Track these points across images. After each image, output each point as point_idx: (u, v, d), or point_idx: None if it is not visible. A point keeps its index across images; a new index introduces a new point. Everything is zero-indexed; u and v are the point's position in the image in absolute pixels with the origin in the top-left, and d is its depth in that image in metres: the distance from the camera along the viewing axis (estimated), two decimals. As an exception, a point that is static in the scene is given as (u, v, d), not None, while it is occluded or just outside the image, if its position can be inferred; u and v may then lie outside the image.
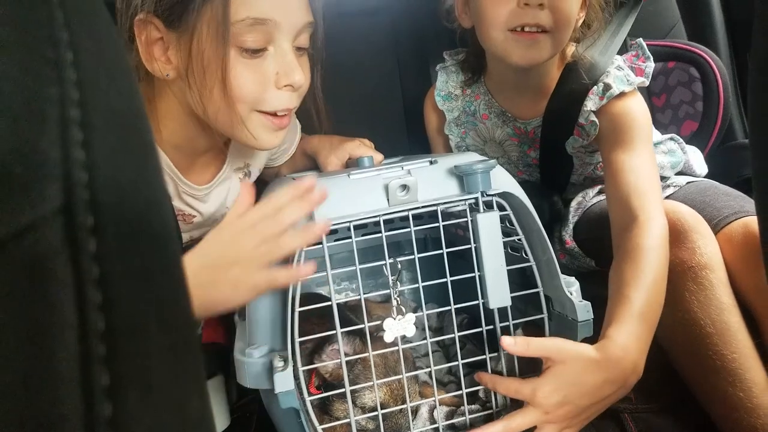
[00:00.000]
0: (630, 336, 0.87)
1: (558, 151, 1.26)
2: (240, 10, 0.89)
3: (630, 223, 1.00)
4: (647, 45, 1.26)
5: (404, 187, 0.82)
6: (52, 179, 0.22)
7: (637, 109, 1.13)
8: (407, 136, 1.76)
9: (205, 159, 1.15)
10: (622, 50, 1.29)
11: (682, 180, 1.29)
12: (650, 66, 1.20)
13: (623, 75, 1.16)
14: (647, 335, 0.90)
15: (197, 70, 0.91)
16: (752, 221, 1.03)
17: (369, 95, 1.78)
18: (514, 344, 0.83)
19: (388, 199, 0.81)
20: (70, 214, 0.22)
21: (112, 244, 0.23)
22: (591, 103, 1.16)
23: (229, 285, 0.76)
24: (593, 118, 1.16)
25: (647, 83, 1.18)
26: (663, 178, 1.29)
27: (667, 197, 1.23)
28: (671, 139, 1.34)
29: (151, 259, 0.26)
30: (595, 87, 1.16)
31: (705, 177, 1.35)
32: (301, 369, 0.79)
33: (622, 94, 1.12)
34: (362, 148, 1.13)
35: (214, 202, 1.17)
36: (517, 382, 0.85)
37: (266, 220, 0.76)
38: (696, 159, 1.36)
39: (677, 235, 1.01)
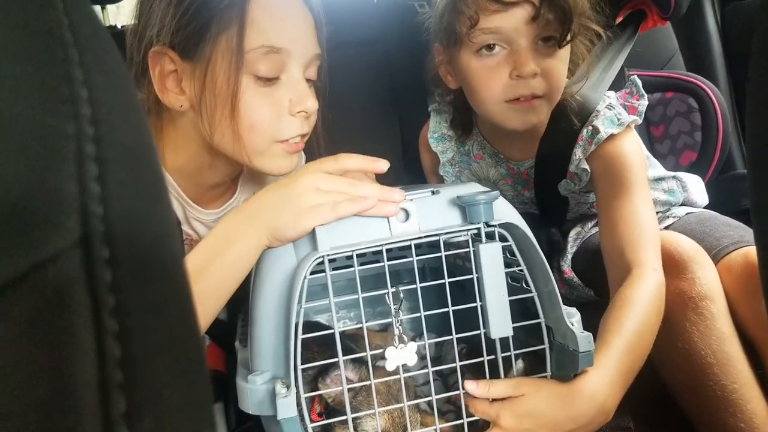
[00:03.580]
0: (603, 379, 0.88)
1: (552, 192, 1.26)
2: (255, 38, 0.92)
3: (624, 276, 1.01)
4: (645, 75, 1.28)
5: (405, 213, 0.83)
6: (70, 213, 0.23)
7: (628, 150, 1.13)
8: (404, 167, 1.77)
9: (215, 194, 1.17)
10: (620, 81, 1.30)
11: (682, 211, 1.29)
12: (643, 104, 1.21)
13: (613, 115, 1.16)
14: (622, 380, 0.90)
15: (210, 99, 0.94)
16: (752, 251, 1.04)
17: (365, 126, 1.79)
18: (476, 388, 0.86)
19: (390, 228, 0.82)
20: (87, 247, 0.23)
21: (126, 275, 0.24)
22: (579, 151, 1.17)
23: (289, 222, 0.79)
24: (584, 165, 1.17)
25: (639, 122, 1.18)
26: (659, 212, 1.30)
27: (667, 227, 1.24)
28: (674, 177, 1.34)
29: (163, 291, 0.26)
30: (584, 131, 1.16)
31: (705, 207, 1.36)
32: (303, 396, 0.79)
33: (611, 136, 1.13)
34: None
35: None
36: (486, 404, 0.86)
37: (335, 186, 0.80)
38: (697, 189, 1.36)
39: (677, 266, 1.01)
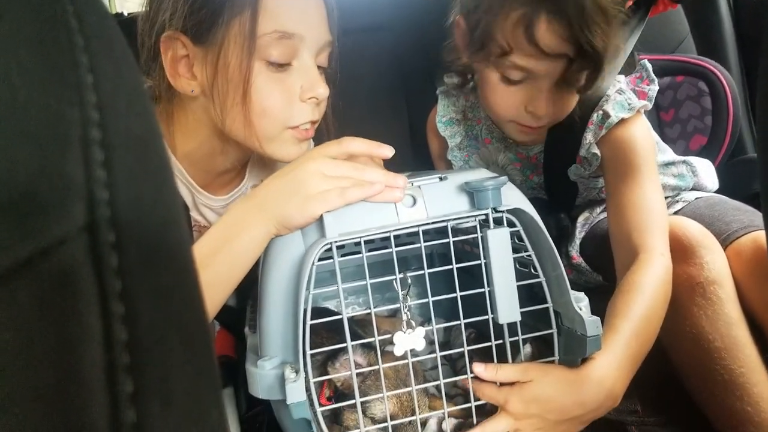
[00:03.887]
0: (611, 363, 0.89)
1: (561, 177, 1.26)
2: (267, 23, 0.92)
3: (631, 261, 1.01)
4: (655, 59, 1.26)
5: (413, 199, 0.83)
6: (76, 198, 0.23)
7: (638, 135, 1.12)
8: (412, 153, 1.76)
9: (224, 180, 1.17)
10: (631, 64, 1.29)
11: (692, 195, 1.29)
12: (654, 89, 1.20)
13: (624, 100, 1.16)
14: (629, 365, 0.91)
15: (222, 85, 0.94)
16: (762, 236, 1.03)
17: (373, 112, 1.78)
18: (484, 371, 0.86)
19: (397, 214, 0.82)
20: (93, 232, 0.23)
21: (132, 260, 0.24)
22: (590, 135, 1.16)
23: (297, 209, 0.78)
24: (594, 150, 1.16)
25: (650, 107, 1.17)
26: (669, 196, 1.29)
27: (676, 212, 1.23)
28: (684, 162, 1.33)
29: (170, 276, 0.27)
30: (595, 116, 1.16)
31: (715, 191, 1.35)
32: (312, 380, 0.79)
33: (622, 121, 1.13)
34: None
35: None
36: (494, 388, 0.87)
37: (341, 171, 0.80)
38: (708, 174, 1.35)
39: (685, 251, 1.01)
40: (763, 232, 1.03)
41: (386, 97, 1.83)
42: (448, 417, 0.90)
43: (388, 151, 0.85)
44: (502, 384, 0.87)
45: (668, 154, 1.33)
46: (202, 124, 1.04)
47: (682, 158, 1.33)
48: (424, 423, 0.93)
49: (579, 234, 1.31)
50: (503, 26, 1.03)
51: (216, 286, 0.81)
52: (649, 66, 1.25)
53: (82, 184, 0.24)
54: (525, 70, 1.06)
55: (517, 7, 1.00)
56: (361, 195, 0.79)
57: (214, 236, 0.81)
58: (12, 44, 0.25)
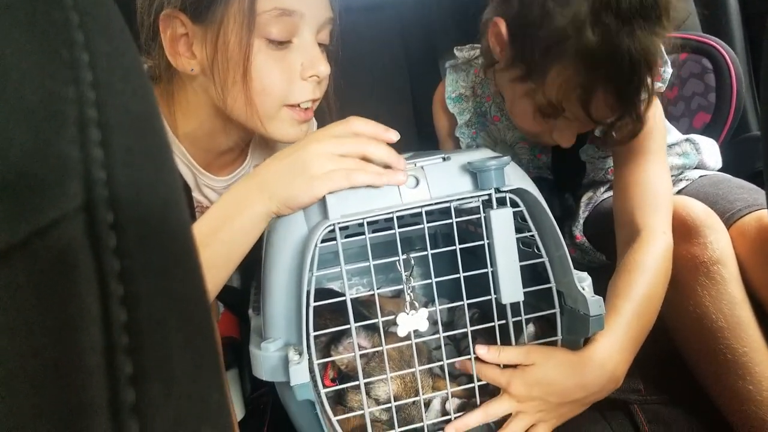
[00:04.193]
0: (613, 345, 0.89)
1: (571, 157, 1.25)
2: (267, 1, 0.91)
3: (633, 238, 1.01)
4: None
5: (415, 180, 0.83)
6: (73, 177, 0.23)
7: (652, 117, 1.11)
8: (416, 132, 1.75)
9: (226, 160, 1.17)
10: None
11: (695, 174, 1.28)
12: (668, 72, 1.18)
13: None
14: (631, 346, 0.92)
15: (222, 63, 0.93)
16: (766, 215, 1.03)
17: (377, 91, 1.77)
18: (487, 352, 0.87)
19: (400, 195, 0.82)
20: (90, 211, 0.23)
21: (131, 240, 0.24)
22: None
23: (301, 188, 0.78)
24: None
25: (663, 89, 1.16)
26: (673, 175, 1.28)
27: (679, 191, 1.22)
28: (687, 140, 1.32)
29: (169, 256, 0.26)
30: None
31: (719, 170, 1.34)
32: (316, 362, 0.79)
33: None
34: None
35: None
36: (497, 370, 0.88)
37: (347, 149, 0.80)
38: (712, 152, 1.34)
39: (688, 231, 1.01)
40: (766, 211, 1.03)
41: (390, 76, 1.81)
42: (452, 397, 0.90)
43: (393, 135, 0.84)
44: (505, 366, 0.88)
45: (672, 134, 1.32)
46: (203, 103, 1.03)
47: (685, 136, 1.32)
48: (427, 403, 0.93)
49: (583, 214, 1.30)
50: (554, 80, 0.99)
51: (216, 265, 0.80)
52: (662, 47, 1.24)
53: (79, 163, 0.24)
54: (563, 115, 1.05)
55: (571, 71, 0.96)
56: (367, 180, 0.78)
57: (214, 215, 0.80)
58: (5, 22, 0.24)
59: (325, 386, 0.83)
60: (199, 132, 1.07)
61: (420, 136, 1.74)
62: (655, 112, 1.11)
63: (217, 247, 0.79)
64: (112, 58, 0.28)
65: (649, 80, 0.97)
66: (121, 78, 0.28)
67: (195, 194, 1.13)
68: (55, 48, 0.25)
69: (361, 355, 0.83)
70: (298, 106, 1.00)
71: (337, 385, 0.86)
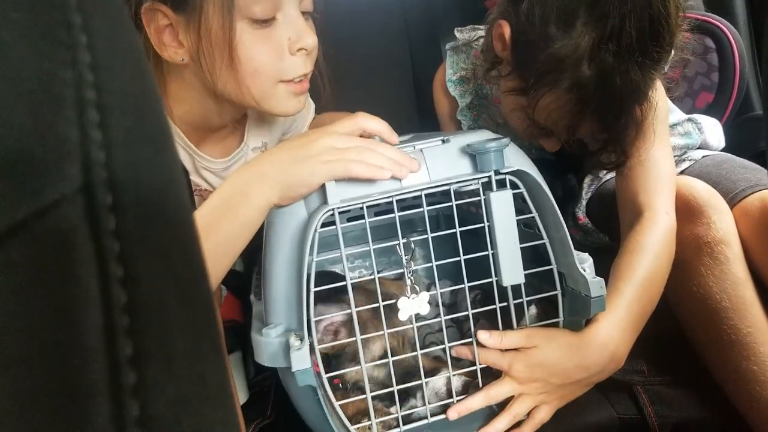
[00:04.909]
0: (614, 326, 0.90)
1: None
2: None
3: (635, 219, 1.01)
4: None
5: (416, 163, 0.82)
6: (72, 159, 0.23)
7: (654, 98, 1.11)
8: (418, 114, 1.75)
9: (221, 135, 1.17)
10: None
11: (698, 154, 1.28)
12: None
13: None
14: (633, 327, 0.92)
15: (207, 50, 0.92)
16: (768, 194, 1.02)
17: (378, 73, 1.76)
18: (489, 338, 0.88)
19: (400, 179, 0.82)
20: (89, 193, 0.23)
21: (131, 221, 0.24)
22: None
23: (302, 177, 0.79)
24: None
25: (665, 69, 1.15)
26: (676, 156, 1.28)
27: (682, 172, 1.22)
28: (689, 120, 1.31)
29: (169, 238, 0.26)
30: None
31: (722, 149, 1.33)
32: (317, 347, 0.80)
33: None
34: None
35: None
36: (497, 353, 0.88)
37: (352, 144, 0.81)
38: (714, 132, 1.33)
39: (692, 211, 1.01)
40: (769, 191, 1.03)
41: (391, 58, 1.80)
42: (456, 375, 0.90)
43: (396, 139, 0.85)
44: (506, 349, 0.88)
45: (675, 114, 1.32)
46: (195, 88, 1.03)
47: (687, 116, 1.31)
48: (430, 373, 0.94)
49: (585, 195, 1.30)
50: (545, 105, 1.00)
51: (218, 256, 0.80)
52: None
53: (78, 145, 0.23)
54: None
55: (563, 101, 0.97)
56: (367, 174, 0.78)
57: (214, 205, 0.80)
58: (3, 4, 0.24)
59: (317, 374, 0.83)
60: (194, 114, 1.07)
61: (421, 119, 1.73)
62: (658, 93, 1.10)
63: (219, 238, 0.79)
64: (110, 39, 0.28)
65: (639, 114, 1.00)
66: (120, 60, 0.28)
67: (193, 177, 1.13)
68: (53, 29, 0.25)
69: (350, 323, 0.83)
70: (292, 80, 0.99)
71: (327, 372, 0.86)
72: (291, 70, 0.98)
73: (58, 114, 0.23)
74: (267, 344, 0.80)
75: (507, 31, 1.03)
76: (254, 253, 0.97)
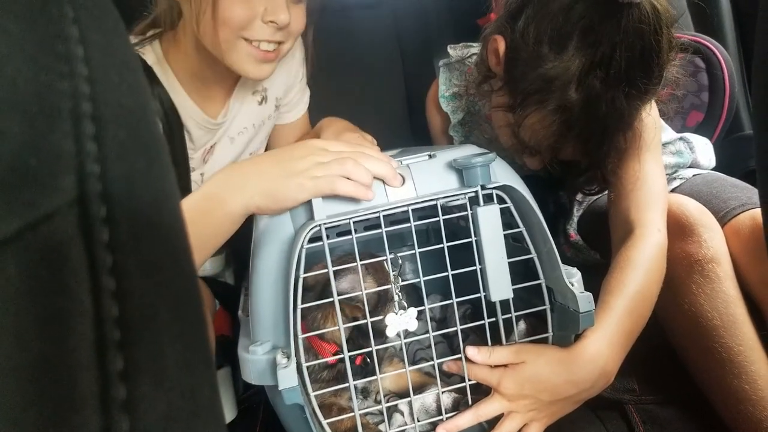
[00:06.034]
0: (604, 341, 0.89)
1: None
2: None
3: (627, 235, 1.01)
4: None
5: (401, 178, 0.83)
6: (67, 171, 0.23)
7: (645, 115, 1.12)
8: (410, 129, 1.75)
9: (219, 90, 1.22)
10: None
11: (689, 173, 1.28)
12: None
13: None
14: (623, 343, 0.91)
15: None
16: (759, 213, 1.03)
17: (372, 88, 1.77)
18: (478, 353, 0.88)
19: (386, 194, 0.81)
20: (83, 206, 0.23)
21: (124, 234, 0.24)
22: None
23: (286, 190, 0.79)
24: None
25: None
26: (667, 174, 1.28)
27: (673, 190, 1.23)
28: (681, 139, 1.32)
29: (162, 251, 0.26)
30: None
31: (712, 169, 1.34)
32: (304, 365, 0.79)
33: None
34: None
35: (238, 126, 1.27)
36: (487, 369, 0.88)
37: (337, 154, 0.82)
38: (705, 151, 1.34)
39: (683, 229, 1.01)
40: (760, 210, 1.03)
41: (384, 74, 1.81)
42: (446, 392, 0.90)
43: (399, 183, 0.85)
44: (495, 365, 0.88)
45: (666, 133, 1.33)
46: (192, 40, 1.10)
47: (679, 135, 1.32)
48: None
49: (577, 212, 1.30)
50: (530, 124, 1.01)
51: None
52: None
53: (73, 157, 0.23)
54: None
55: (548, 121, 0.98)
56: (353, 192, 0.79)
57: (190, 206, 0.80)
58: (1, 16, 0.24)
59: (327, 364, 0.82)
60: (190, 62, 1.14)
61: (414, 134, 1.73)
62: (650, 110, 1.11)
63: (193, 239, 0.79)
64: (106, 52, 0.28)
65: (622, 142, 1.01)
66: (116, 72, 0.28)
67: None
68: (50, 42, 0.25)
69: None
70: (258, 45, 1.04)
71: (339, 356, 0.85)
72: (255, 32, 1.03)
73: (54, 126, 0.23)
74: (254, 362, 0.79)
75: (502, 46, 1.03)
76: (245, 267, 0.96)
